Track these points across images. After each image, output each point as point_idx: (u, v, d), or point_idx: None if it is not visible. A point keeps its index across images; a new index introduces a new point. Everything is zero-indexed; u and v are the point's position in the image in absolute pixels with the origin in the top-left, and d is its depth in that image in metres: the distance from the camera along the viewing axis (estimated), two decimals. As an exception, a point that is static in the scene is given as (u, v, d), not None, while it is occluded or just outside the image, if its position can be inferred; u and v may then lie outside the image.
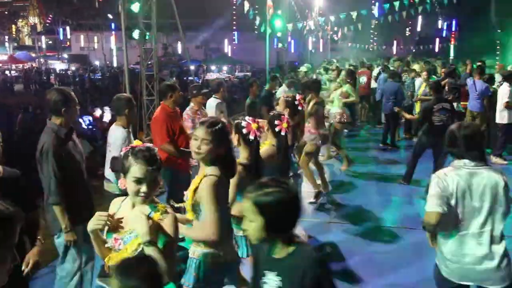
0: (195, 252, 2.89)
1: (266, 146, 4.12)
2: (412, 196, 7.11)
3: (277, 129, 4.00)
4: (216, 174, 2.79)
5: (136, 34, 9.17)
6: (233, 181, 3.13)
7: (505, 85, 9.07)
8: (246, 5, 14.85)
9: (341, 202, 6.88)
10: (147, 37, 9.32)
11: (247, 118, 3.64)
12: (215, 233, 2.71)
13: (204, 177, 2.78)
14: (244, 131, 3.50)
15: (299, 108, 5.22)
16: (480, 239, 2.89)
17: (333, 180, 7.85)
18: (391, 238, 5.69)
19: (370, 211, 6.50)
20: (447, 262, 2.99)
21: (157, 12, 9.35)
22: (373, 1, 24.10)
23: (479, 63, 10.17)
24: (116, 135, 4.46)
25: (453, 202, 2.89)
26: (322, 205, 6.66)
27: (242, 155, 3.54)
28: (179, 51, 44.26)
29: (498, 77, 10.80)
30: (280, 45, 24.31)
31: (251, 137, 3.48)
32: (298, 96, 5.29)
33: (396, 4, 15.97)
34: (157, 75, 9.62)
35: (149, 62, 9.73)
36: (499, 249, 2.89)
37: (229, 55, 46.09)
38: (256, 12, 16.15)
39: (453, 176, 2.91)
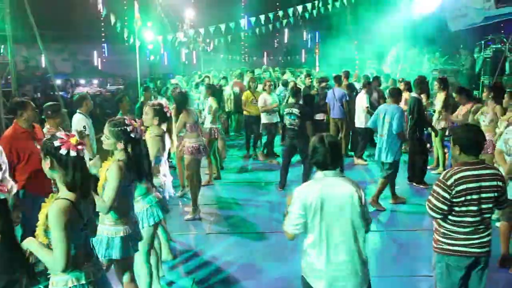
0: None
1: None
2: (283, 201, 7.48)
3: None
4: (69, 198, 2.64)
5: (-11, 47, 8.40)
6: (116, 176, 3.30)
7: (362, 92, 9.99)
8: (113, 17, 14.35)
9: (218, 213, 7.04)
10: (1, 50, 8.58)
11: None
12: (64, 264, 2.58)
13: (54, 200, 2.64)
14: (129, 129, 3.48)
15: (168, 115, 5.18)
16: (340, 249, 2.94)
17: (208, 190, 7.99)
18: (262, 241, 5.99)
19: (244, 219, 6.76)
20: (315, 273, 2.99)
21: (13, 23, 8.65)
22: (242, 14, 24.93)
23: (335, 75, 11.00)
24: None
25: (312, 214, 2.91)
26: (199, 218, 6.70)
27: (117, 154, 3.53)
28: (43, 64, 41.24)
29: (358, 85, 11.80)
30: (152, 57, 23.99)
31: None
32: (165, 103, 5.24)
33: (262, 17, 16.71)
34: (16, 91, 8.88)
35: (9, 77, 8.96)
36: (358, 258, 2.97)
37: (99, 68, 44.13)
38: (126, 24, 15.68)
39: (313, 188, 2.93)
